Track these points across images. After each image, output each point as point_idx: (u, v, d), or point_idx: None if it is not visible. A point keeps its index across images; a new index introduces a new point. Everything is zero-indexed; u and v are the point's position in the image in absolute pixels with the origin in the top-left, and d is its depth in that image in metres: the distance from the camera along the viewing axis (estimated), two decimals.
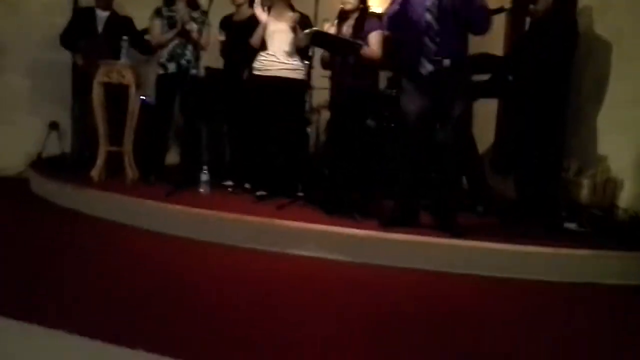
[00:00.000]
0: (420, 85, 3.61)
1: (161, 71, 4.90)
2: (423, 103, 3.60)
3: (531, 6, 4.41)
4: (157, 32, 4.87)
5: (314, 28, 4.13)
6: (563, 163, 4.55)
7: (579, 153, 4.63)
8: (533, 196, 4.36)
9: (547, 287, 3.25)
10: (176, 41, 4.83)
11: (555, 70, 4.33)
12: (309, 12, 4.30)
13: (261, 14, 4.44)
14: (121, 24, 5.38)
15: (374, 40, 4.20)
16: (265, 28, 4.44)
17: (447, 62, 3.52)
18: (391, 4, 3.65)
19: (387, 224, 3.66)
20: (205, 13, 4.76)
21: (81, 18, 5.50)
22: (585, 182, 4.26)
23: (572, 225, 4.01)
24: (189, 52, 4.82)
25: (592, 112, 4.65)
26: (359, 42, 4.10)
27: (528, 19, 4.63)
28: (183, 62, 4.83)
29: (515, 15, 5.19)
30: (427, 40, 3.54)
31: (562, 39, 4.29)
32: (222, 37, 4.90)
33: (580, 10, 4.77)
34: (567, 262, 3.38)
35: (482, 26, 3.61)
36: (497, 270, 3.34)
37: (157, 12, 4.89)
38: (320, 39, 4.16)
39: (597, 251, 3.43)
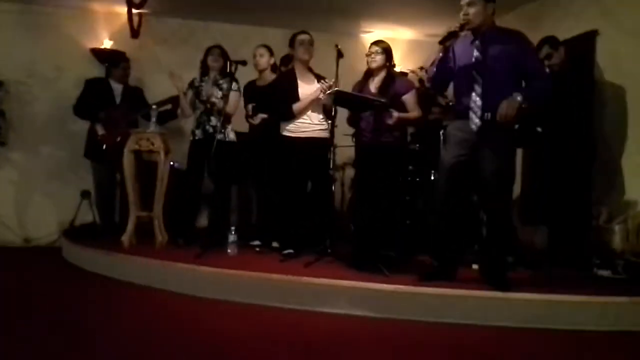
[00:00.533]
0: (464, 137, 3.56)
1: (191, 138, 5.08)
2: (461, 154, 3.56)
3: (546, 62, 4.49)
4: (185, 102, 5.03)
5: (335, 88, 4.24)
6: (593, 210, 4.50)
7: (608, 199, 4.59)
8: (565, 245, 4.30)
9: (583, 336, 3.15)
10: (201, 109, 5.00)
11: (576, 118, 4.35)
12: (329, 72, 4.42)
13: (309, 87, 4.56)
14: (136, 95, 5.61)
15: (413, 104, 4.32)
16: (313, 101, 4.54)
17: (488, 115, 3.46)
18: (430, 65, 3.70)
19: (427, 278, 3.60)
20: (234, 80, 4.91)
21: (96, 89, 5.70)
22: (617, 228, 4.20)
23: (605, 273, 3.93)
24: (214, 119, 4.96)
25: (615, 157, 4.64)
26: (381, 99, 4.19)
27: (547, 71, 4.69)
28: (208, 127, 4.97)
29: None
30: (474, 96, 3.51)
31: (579, 87, 4.34)
32: (257, 120, 5.01)
33: (596, 58, 4.84)
34: (603, 311, 3.28)
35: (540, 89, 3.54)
36: (532, 321, 3.26)
37: (191, 84, 5.09)
38: (342, 98, 4.26)
39: (633, 298, 3.33)
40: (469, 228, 3.96)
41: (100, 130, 5.48)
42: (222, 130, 4.87)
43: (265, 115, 4.97)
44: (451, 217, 3.65)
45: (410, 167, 4.98)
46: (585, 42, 4.89)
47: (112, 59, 5.84)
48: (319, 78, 4.62)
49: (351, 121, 4.58)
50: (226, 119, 4.92)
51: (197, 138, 5.02)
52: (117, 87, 5.71)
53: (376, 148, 4.31)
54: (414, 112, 4.33)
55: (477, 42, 3.54)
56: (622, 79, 4.65)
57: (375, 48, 4.41)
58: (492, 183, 3.51)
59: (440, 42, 3.65)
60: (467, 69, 3.55)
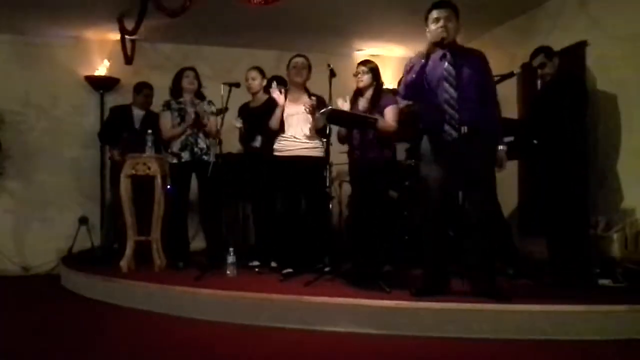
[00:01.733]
0: (441, 152, 3.61)
1: (175, 160, 5.01)
2: (443, 169, 3.61)
3: (539, 71, 4.54)
4: (168, 124, 5.03)
5: (329, 107, 4.26)
6: (590, 219, 4.51)
7: (605, 208, 4.60)
8: (564, 255, 4.30)
9: (586, 346, 3.13)
10: (188, 131, 5.00)
11: (570, 128, 4.38)
12: (324, 91, 4.45)
13: (279, 96, 4.63)
14: (155, 120, 5.63)
15: (390, 115, 4.35)
16: (283, 111, 4.61)
17: (464, 129, 3.53)
18: (407, 72, 3.71)
19: (418, 294, 3.60)
20: (211, 102, 4.98)
21: (119, 116, 5.79)
22: (616, 237, 4.19)
23: (606, 282, 3.92)
24: (201, 140, 4.99)
25: (611, 165, 4.66)
26: (374, 116, 4.23)
27: (539, 82, 4.73)
28: (196, 149, 4.98)
29: (526, 78, 5.32)
30: (448, 108, 3.57)
31: (572, 97, 4.38)
32: (239, 124, 5.03)
33: (586, 67, 4.88)
34: (605, 320, 3.26)
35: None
36: (534, 333, 3.24)
37: (167, 105, 5.08)
38: (336, 117, 4.28)
39: (634, 306, 3.32)
40: (463, 240, 3.97)
41: (116, 156, 5.53)
42: (208, 152, 4.89)
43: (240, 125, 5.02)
44: (444, 231, 3.67)
45: (407, 183, 4.99)
46: (576, 53, 4.94)
47: (137, 87, 5.90)
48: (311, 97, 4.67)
49: (341, 138, 4.62)
50: (213, 141, 4.94)
51: (183, 160, 5.00)
52: (138, 114, 5.78)
53: (365, 164, 4.36)
54: (387, 122, 4.33)
55: (448, 56, 3.62)
56: (613, 87, 4.69)
57: (362, 68, 4.49)
58: (476, 196, 3.57)
59: (425, 57, 3.63)
60: (438, 84, 3.61)
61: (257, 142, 5.02)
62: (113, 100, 6.37)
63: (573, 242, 4.31)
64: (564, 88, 4.49)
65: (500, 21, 6.00)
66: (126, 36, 5.81)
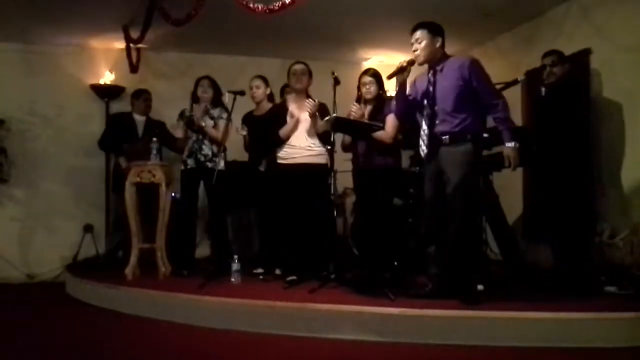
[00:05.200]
0: (426, 167, 3.73)
1: (182, 167, 5.11)
2: (428, 183, 3.71)
3: (548, 69, 4.51)
4: (178, 132, 5.14)
5: (334, 115, 4.27)
6: (595, 227, 4.50)
7: (610, 215, 4.59)
8: (570, 262, 4.28)
9: (594, 353, 3.11)
10: (194, 138, 5.03)
11: (574, 135, 4.38)
12: (328, 99, 4.46)
13: (294, 109, 4.64)
14: (158, 127, 5.67)
15: (390, 123, 4.37)
16: (297, 123, 4.62)
17: (433, 138, 3.63)
18: (397, 100, 3.87)
19: (423, 299, 3.60)
20: (224, 110, 4.98)
21: (120, 123, 5.83)
22: (621, 244, 4.18)
23: (612, 289, 3.89)
24: (206, 147, 5.01)
25: (615, 172, 4.65)
26: (379, 124, 4.25)
27: (543, 89, 4.73)
28: (200, 156, 5.01)
29: (530, 86, 5.32)
30: (424, 124, 3.69)
31: (576, 104, 4.38)
32: (244, 132, 5.05)
33: (590, 75, 4.89)
34: (612, 327, 3.24)
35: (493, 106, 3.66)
36: (540, 340, 3.22)
37: (180, 114, 5.14)
38: (340, 124, 4.29)
39: None
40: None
41: (123, 163, 5.54)
42: (215, 159, 4.90)
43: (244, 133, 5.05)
44: (443, 241, 3.68)
45: (411, 190, 4.99)
46: (580, 61, 4.94)
47: (135, 93, 5.97)
48: None
49: (345, 147, 4.62)
50: (218, 147, 4.95)
51: (188, 167, 5.04)
52: (139, 120, 5.82)
53: (370, 172, 4.37)
54: (384, 132, 4.37)
55: (429, 75, 3.71)
56: (618, 94, 4.69)
57: (369, 78, 4.52)
58: (454, 201, 3.58)
59: (389, 77, 3.84)
60: (423, 101, 3.71)
61: (263, 166, 5.03)
62: (118, 108, 6.40)
63: (578, 249, 4.30)
64: (568, 95, 4.50)
65: (504, 29, 6.01)
66: (131, 45, 5.84)
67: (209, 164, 4.95)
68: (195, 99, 5.14)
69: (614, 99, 4.71)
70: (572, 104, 4.50)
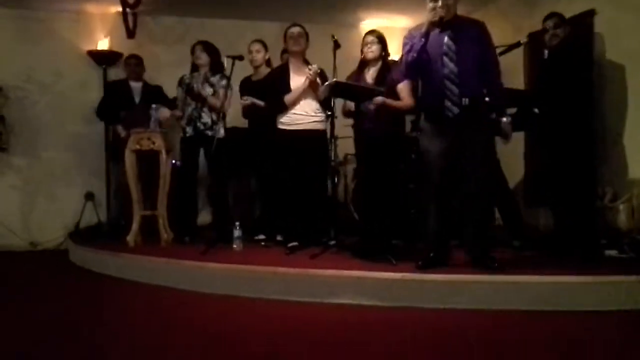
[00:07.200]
0: (442, 127, 3.61)
1: (182, 134, 5.08)
2: (444, 143, 3.60)
3: (550, 32, 4.45)
4: (179, 99, 5.09)
5: (334, 79, 4.22)
6: (597, 190, 4.49)
7: (612, 178, 4.57)
8: (570, 226, 4.29)
9: (594, 317, 3.14)
10: (192, 105, 4.98)
11: (577, 98, 4.33)
12: (328, 62, 4.40)
13: (301, 79, 4.54)
14: (154, 92, 5.62)
15: (406, 91, 4.29)
16: (303, 91, 4.54)
17: (466, 100, 3.53)
18: (407, 52, 3.68)
19: (423, 267, 3.61)
20: (224, 77, 4.91)
21: (116, 91, 5.77)
22: (622, 207, 4.17)
23: (613, 252, 3.91)
24: (205, 115, 4.96)
25: (617, 136, 4.62)
26: (380, 88, 4.18)
27: (545, 52, 4.66)
28: (199, 124, 4.97)
29: (532, 48, 5.25)
30: (449, 83, 3.56)
31: (579, 66, 4.32)
32: (248, 102, 4.97)
33: (594, 37, 4.81)
34: (613, 290, 3.26)
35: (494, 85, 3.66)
36: (540, 304, 3.24)
37: (180, 82, 5.08)
38: (340, 89, 4.24)
39: None
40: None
41: (122, 131, 5.49)
42: (214, 127, 4.86)
43: (253, 100, 4.92)
44: (445, 204, 3.67)
45: (413, 156, 4.96)
46: (583, 22, 4.86)
47: (125, 59, 5.95)
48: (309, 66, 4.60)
49: (346, 112, 4.56)
50: (218, 115, 4.91)
51: (187, 135, 5.01)
52: (136, 87, 5.78)
53: (377, 137, 4.29)
54: (405, 101, 4.31)
55: (449, 31, 3.59)
56: (621, 57, 4.63)
57: (371, 38, 4.39)
58: (476, 167, 3.55)
59: (425, 36, 3.59)
60: (438, 59, 3.59)
61: (246, 100, 4.94)
62: (116, 74, 6.34)
63: (579, 213, 4.30)
64: (570, 57, 4.44)
65: None
66: (128, 9, 5.74)
67: (209, 132, 4.91)
68: (194, 67, 5.08)
69: (618, 61, 4.65)
70: (575, 67, 4.44)
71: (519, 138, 5.32)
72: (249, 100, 4.94)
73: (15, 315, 3.44)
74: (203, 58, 5.01)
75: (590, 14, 4.86)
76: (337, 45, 4.30)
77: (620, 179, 4.53)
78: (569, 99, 4.31)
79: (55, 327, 3.15)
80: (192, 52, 5.07)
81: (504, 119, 3.64)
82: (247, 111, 5.08)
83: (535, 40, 4.76)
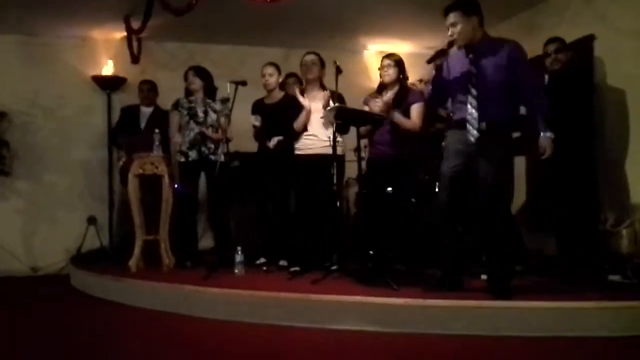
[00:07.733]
0: (461, 149, 3.59)
1: (182, 159, 5.06)
2: (457, 164, 3.59)
3: (553, 56, 4.49)
4: (175, 124, 5.10)
5: (337, 104, 4.26)
6: (599, 215, 4.48)
7: (614, 203, 4.57)
8: (573, 251, 4.28)
9: (597, 343, 3.11)
10: (196, 130, 5.01)
11: (578, 123, 4.35)
12: (331, 88, 4.44)
13: (304, 100, 4.63)
14: (159, 117, 5.64)
15: (416, 114, 4.36)
16: (308, 114, 4.61)
17: (483, 125, 3.49)
18: (428, 82, 3.77)
19: (429, 289, 3.58)
20: (225, 102, 4.93)
21: (126, 116, 5.83)
22: (625, 232, 4.17)
23: (616, 277, 3.89)
24: (209, 140, 5.00)
25: (619, 161, 4.63)
26: (382, 114, 4.24)
27: (546, 77, 4.70)
28: (204, 149, 4.99)
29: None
30: (469, 107, 3.52)
31: (580, 91, 4.35)
32: (258, 122, 4.97)
33: (594, 62, 4.85)
34: (616, 316, 3.24)
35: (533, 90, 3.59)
36: (543, 330, 3.22)
37: (175, 105, 5.11)
38: (344, 114, 4.27)
39: None
40: (477, 238, 3.93)
41: (121, 157, 5.53)
42: (216, 152, 4.89)
43: (280, 138, 4.89)
44: (454, 228, 3.65)
45: (427, 177, 4.92)
46: (583, 47, 4.90)
47: (139, 85, 5.99)
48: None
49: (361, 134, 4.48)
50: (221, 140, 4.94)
51: (190, 159, 5.02)
52: (145, 112, 5.82)
53: (388, 161, 4.37)
54: (412, 121, 4.35)
55: (470, 55, 3.56)
56: (622, 81, 4.66)
57: (388, 61, 4.47)
58: (491, 191, 3.50)
59: (428, 61, 3.77)
60: (462, 81, 3.57)
61: (273, 142, 4.91)
62: (120, 100, 6.39)
63: (582, 238, 4.29)
64: (571, 82, 4.47)
65: (505, 16, 5.95)
66: (132, 35, 5.81)
67: (212, 157, 4.94)
68: (188, 92, 5.13)
69: (618, 85, 4.68)
70: (576, 92, 4.47)
71: (520, 162, 5.34)
72: (275, 140, 4.90)
73: (15, 339, 3.42)
74: (197, 83, 5.07)
75: (590, 39, 4.91)
76: (339, 71, 4.35)
77: (622, 204, 4.53)
78: (570, 123, 4.32)
79: (54, 352, 3.14)
80: (185, 78, 5.13)
81: (546, 134, 3.56)
82: (258, 135, 5.06)
83: (535, 65, 4.79)
